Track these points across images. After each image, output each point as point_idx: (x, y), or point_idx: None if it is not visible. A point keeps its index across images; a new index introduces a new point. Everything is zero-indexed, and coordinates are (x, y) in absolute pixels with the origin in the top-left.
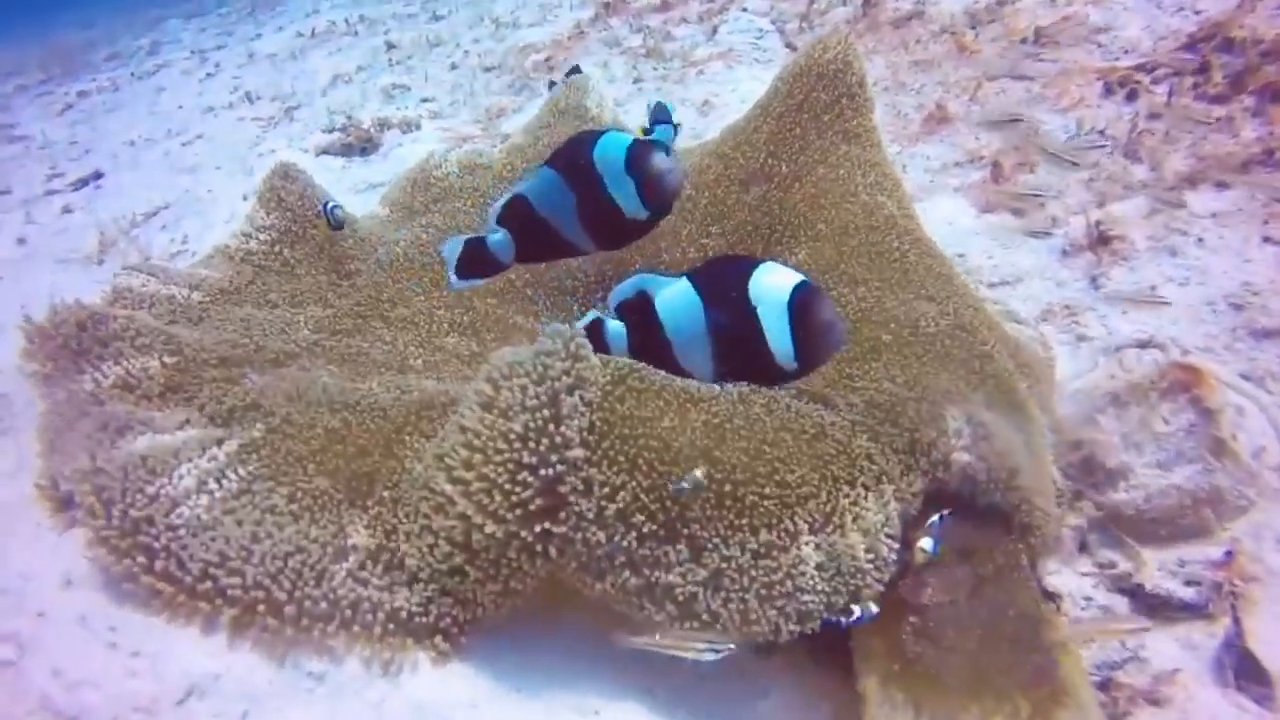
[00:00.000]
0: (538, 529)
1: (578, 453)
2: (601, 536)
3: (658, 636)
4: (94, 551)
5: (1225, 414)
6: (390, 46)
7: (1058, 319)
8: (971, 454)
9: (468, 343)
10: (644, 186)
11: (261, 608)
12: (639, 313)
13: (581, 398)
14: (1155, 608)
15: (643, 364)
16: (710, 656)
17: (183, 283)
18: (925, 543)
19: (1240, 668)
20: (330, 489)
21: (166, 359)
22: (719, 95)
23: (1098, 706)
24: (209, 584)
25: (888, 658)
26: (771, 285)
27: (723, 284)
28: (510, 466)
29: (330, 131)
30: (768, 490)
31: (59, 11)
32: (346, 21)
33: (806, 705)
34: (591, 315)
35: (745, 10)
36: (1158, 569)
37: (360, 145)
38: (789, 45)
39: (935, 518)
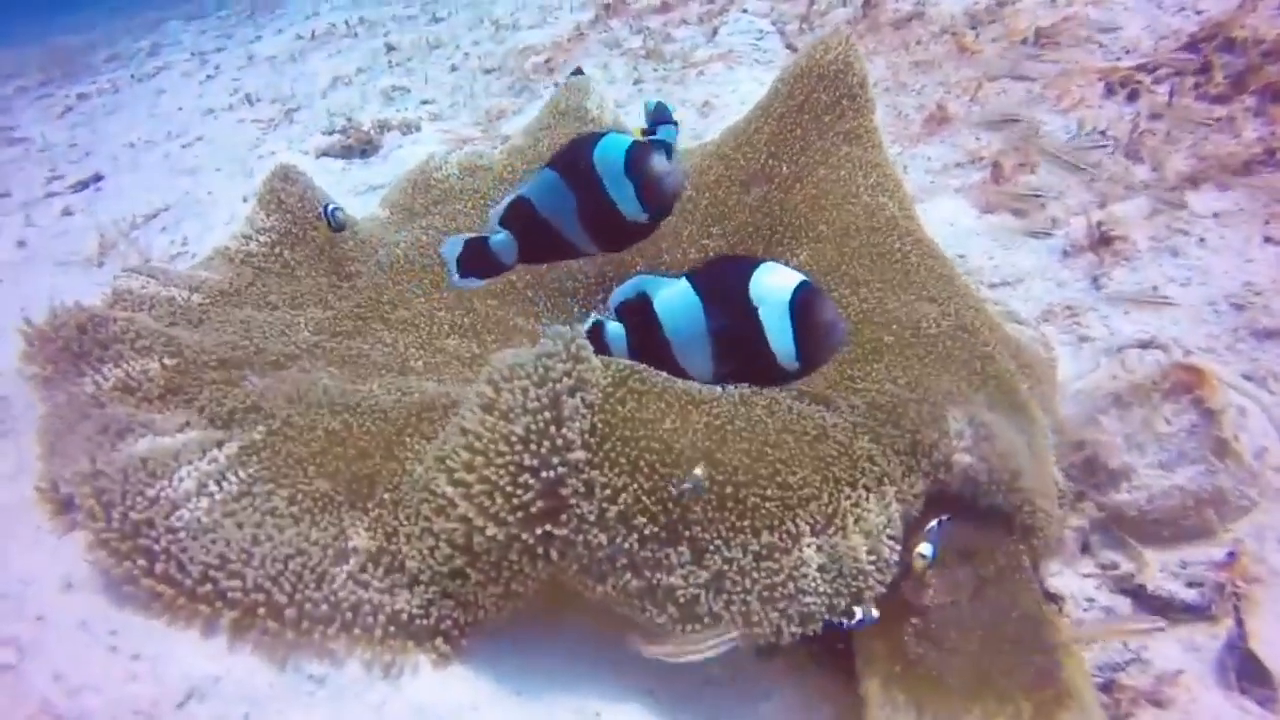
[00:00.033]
0: (539, 531)
1: (579, 455)
2: (603, 539)
3: (671, 647)
4: (94, 554)
5: (1227, 415)
6: (390, 48)
7: (1059, 320)
8: (973, 455)
9: (468, 344)
10: (643, 189)
11: (262, 610)
12: (638, 313)
13: (583, 400)
14: (1158, 609)
15: (644, 366)
16: (724, 649)
17: (183, 285)
18: (924, 548)
19: (1243, 669)
20: (331, 491)
21: (167, 361)
22: (719, 96)
23: (1100, 708)
24: (209, 587)
25: (890, 659)
26: (773, 285)
27: (723, 284)
28: (511, 469)
29: (330, 133)
30: (769, 492)
31: (59, 14)
32: (346, 24)
33: (808, 707)
34: (592, 318)
35: (745, 11)
36: (1160, 570)
37: (360, 147)
38: (789, 46)
39: (933, 524)
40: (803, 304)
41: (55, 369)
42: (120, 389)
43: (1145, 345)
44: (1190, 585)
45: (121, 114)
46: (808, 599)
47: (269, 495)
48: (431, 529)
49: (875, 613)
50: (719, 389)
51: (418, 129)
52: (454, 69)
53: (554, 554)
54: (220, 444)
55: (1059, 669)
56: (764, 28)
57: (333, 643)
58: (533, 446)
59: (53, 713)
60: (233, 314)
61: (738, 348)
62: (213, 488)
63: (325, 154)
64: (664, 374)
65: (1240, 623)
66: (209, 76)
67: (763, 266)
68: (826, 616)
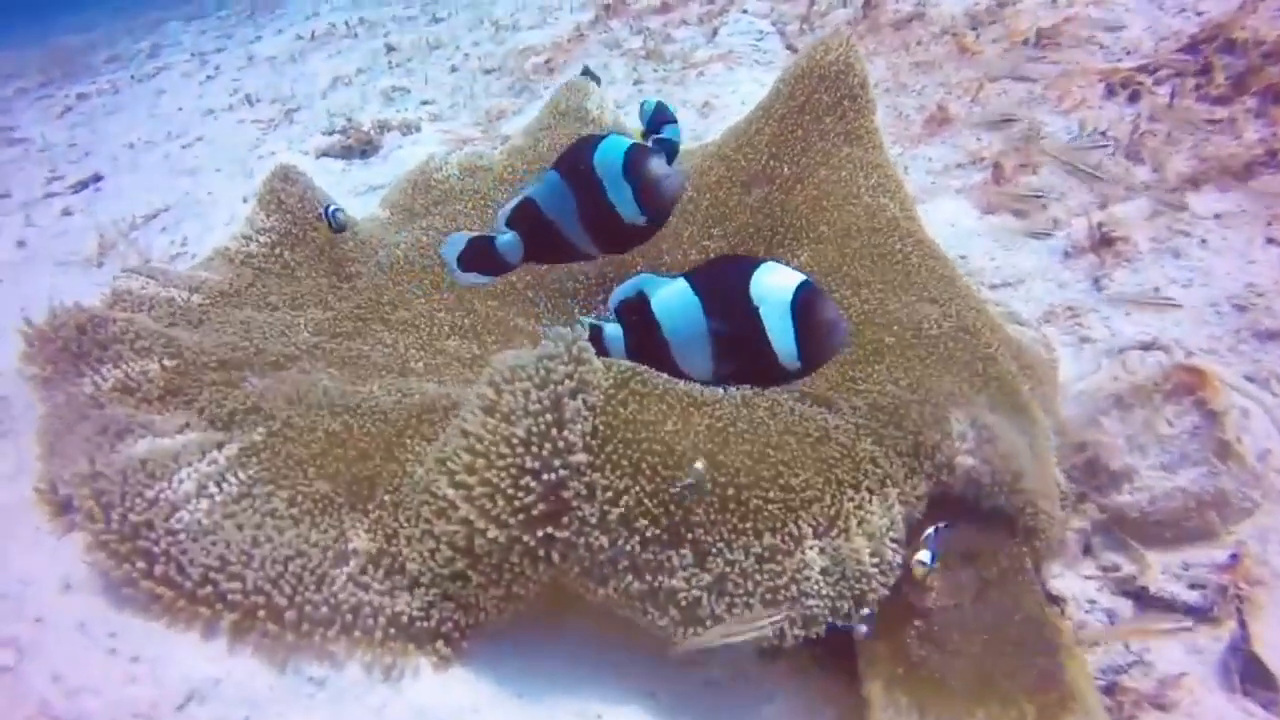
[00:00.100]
0: (540, 534)
1: (581, 457)
2: (605, 541)
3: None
4: (93, 556)
5: (1230, 416)
6: (390, 49)
7: (1060, 321)
8: (976, 457)
9: (469, 345)
10: (641, 192)
11: (262, 612)
12: (636, 313)
13: (585, 402)
14: (1160, 611)
15: (645, 367)
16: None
17: (182, 285)
18: (923, 555)
19: (1246, 672)
20: (331, 493)
21: (166, 362)
22: (719, 97)
23: (1104, 711)
24: (209, 589)
25: (892, 662)
26: (774, 285)
27: (723, 284)
28: (513, 471)
29: (330, 134)
30: (772, 494)
31: (59, 14)
32: (346, 24)
33: (811, 710)
34: (589, 321)
35: (745, 12)
36: (1162, 572)
37: (360, 147)
38: (789, 47)
39: (930, 530)
40: (804, 303)
41: (55, 369)
42: (120, 390)
43: (1147, 346)
44: (1192, 587)
45: (121, 114)
46: (810, 601)
47: (269, 497)
48: (432, 531)
49: (865, 628)
50: (720, 391)
51: (418, 129)
52: (454, 69)
53: (555, 556)
54: (220, 445)
55: (1062, 671)
56: (764, 28)
57: (333, 645)
58: (534, 449)
59: (51, 714)
60: (232, 315)
61: (738, 347)
62: (212, 489)
63: (325, 154)
64: (665, 375)
65: (1243, 625)
66: (209, 77)
67: (763, 266)
68: (829, 619)
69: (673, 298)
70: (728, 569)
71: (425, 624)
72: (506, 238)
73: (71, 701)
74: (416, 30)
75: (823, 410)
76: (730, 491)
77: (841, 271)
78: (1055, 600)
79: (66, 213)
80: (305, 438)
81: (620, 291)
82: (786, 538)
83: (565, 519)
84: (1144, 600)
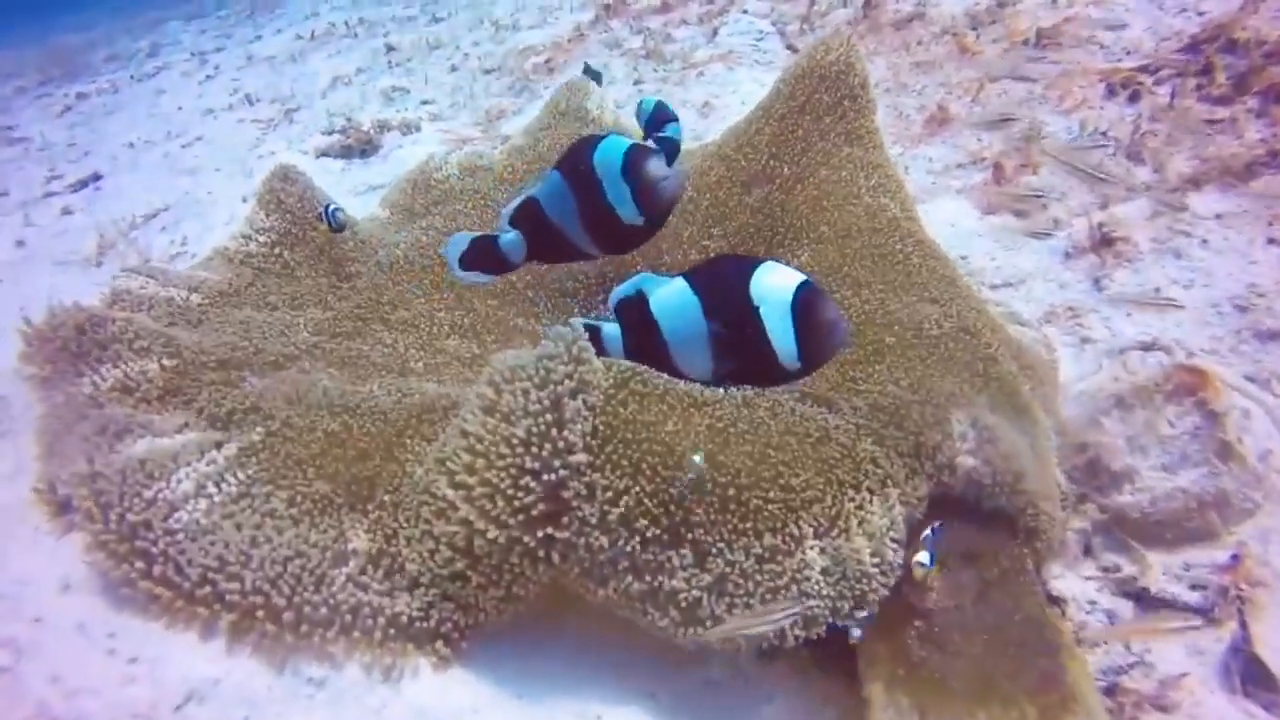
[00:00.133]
0: (540, 534)
1: (581, 457)
2: (605, 541)
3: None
4: (92, 556)
5: (1231, 417)
6: (390, 49)
7: (1061, 321)
8: (976, 457)
9: (469, 345)
10: (639, 194)
11: (261, 613)
12: (635, 313)
13: (585, 402)
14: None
15: (645, 367)
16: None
17: (182, 285)
18: (922, 556)
19: (1247, 673)
20: (330, 493)
21: (165, 362)
22: (719, 97)
23: (1105, 712)
24: (208, 589)
25: (893, 662)
26: (774, 284)
27: (722, 283)
28: (513, 471)
29: (330, 133)
30: (772, 494)
31: (59, 13)
32: (346, 24)
33: (811, 710)
34: (589, 320)
35: (745, 12)
36: (1163, 573)
37: (360, 147)
38: (790, 47)
39: (928, 530)
40: (805, 303)
41: (54, 369)
42: (119, 389)
43: (1148, 347)
44: (1193, 588)
45: (121, 114)
46: (811, 602)
47: (268, 497)
48: (432, 531)
49: (858, 631)
50: (721, 391)
51: (418, 129)
52: (454, 69)
53: (555, 557)
54: (219, 445)
55: (1063, 672)
56: (764, 28)
57: (332, 645)
58: (534, 449)
59: (50, 715)
60: (232, 314)
61: (738, 347)
62: (211, 489)
63: (325, 154)
64: (665, 375)
65: (1244, 626)
66: (209, 76)
67: (763, 266)
68: (830, 619)
69: (672, 297)
70: (728, 569)
71: (425, 624)
72: (510, 237)
73: (70, 702)
74: (416, 30)
75: (823, 410)
76: (731, 492)
77: (842, 272)
78: (1056, 601)
79: (66, 212)
80: (304, 438)
81: (619, 291)
82: (787, 538)
83: (565, 519)
84: (1145, 601)
